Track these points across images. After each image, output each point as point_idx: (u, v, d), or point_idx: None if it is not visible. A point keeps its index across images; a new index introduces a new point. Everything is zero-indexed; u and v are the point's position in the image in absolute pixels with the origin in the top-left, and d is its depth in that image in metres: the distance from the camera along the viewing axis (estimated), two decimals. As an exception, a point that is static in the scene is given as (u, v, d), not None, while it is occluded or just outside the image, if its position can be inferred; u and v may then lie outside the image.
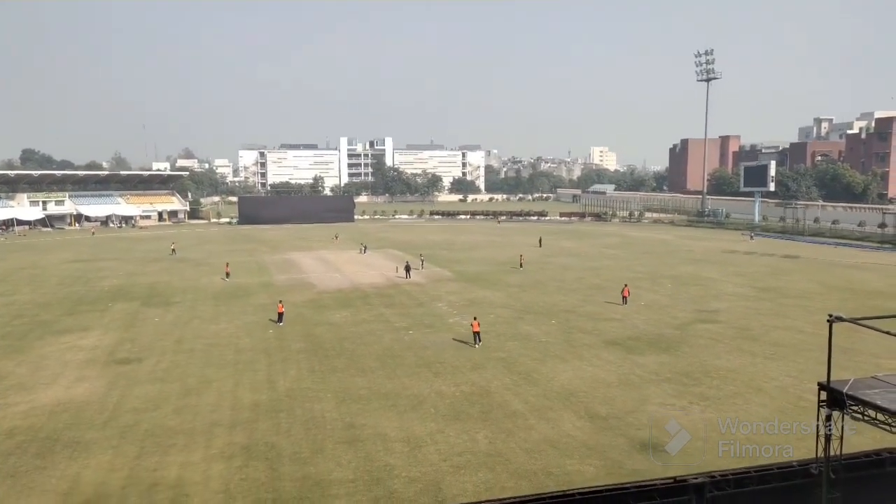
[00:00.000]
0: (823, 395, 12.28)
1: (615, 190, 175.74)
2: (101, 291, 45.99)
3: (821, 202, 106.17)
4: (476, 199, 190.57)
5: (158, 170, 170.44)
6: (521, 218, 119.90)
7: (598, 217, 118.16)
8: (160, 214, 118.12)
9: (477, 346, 29.89)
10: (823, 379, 12.40)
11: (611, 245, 73.48)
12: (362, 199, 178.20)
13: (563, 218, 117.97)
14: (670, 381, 24.72)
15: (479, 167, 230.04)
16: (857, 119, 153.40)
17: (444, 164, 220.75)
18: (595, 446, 19.04)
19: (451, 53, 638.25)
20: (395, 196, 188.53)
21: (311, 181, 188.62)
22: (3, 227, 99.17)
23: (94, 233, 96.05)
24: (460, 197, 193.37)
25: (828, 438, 11.95)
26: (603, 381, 24.96)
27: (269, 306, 39.28)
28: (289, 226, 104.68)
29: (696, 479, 12.43)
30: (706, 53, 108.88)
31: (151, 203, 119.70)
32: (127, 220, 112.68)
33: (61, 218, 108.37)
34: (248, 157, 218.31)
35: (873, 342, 27.97)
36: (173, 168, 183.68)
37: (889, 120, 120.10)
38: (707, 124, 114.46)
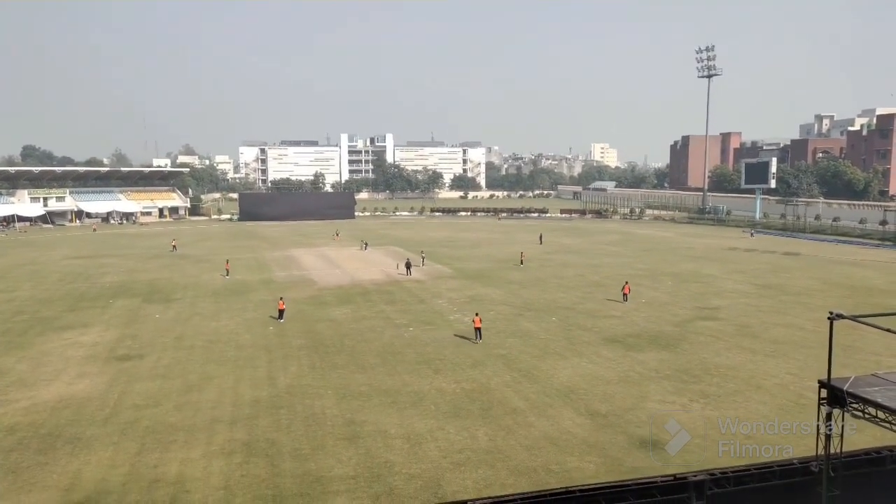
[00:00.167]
0: (824, 393, 12.31)
1: (616, 187, 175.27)
2: (101, 288, 46.04)
3: (822, 199, 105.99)
4: (477, 196, 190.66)
5: (159, 166, 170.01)
6: (521, 215, 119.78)
7: (599, 214, 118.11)
8: (161, 211, 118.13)
9: (478, 341, 29.92)
10: (824, 376, 12.41)
11: (611, 242, 73.49)
12: (363, 195, 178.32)
13: (563, 215, 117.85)
14: (670, 379, 24.74)
15: (479, 164, 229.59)
16: (859, 116, 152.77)
17: (445, 161, 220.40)
18: (595, 443, 19.06)
19: (452, 50, 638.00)
20: (395, 193, 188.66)
21: (311, 178, 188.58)
22: (4, 224, 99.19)
23: (94, 229, 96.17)
24: (461, 194, 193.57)
25: (828, 436, 11.96)
26: (603, 378, 24.98)
27: (269, 303, 39.31)
28: (289, 222, 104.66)
29: (696, 476, 12.44)
30: (707, 50, 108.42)
31: (152, 199, 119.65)
32: (128, 216, 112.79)
33: (62, 214, 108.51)
34: (248, 154, 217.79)
35: (874, 340, 28.05)
36: (174, 164, 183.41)
37: (890, 117, 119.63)
38: (708, 121, 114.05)
